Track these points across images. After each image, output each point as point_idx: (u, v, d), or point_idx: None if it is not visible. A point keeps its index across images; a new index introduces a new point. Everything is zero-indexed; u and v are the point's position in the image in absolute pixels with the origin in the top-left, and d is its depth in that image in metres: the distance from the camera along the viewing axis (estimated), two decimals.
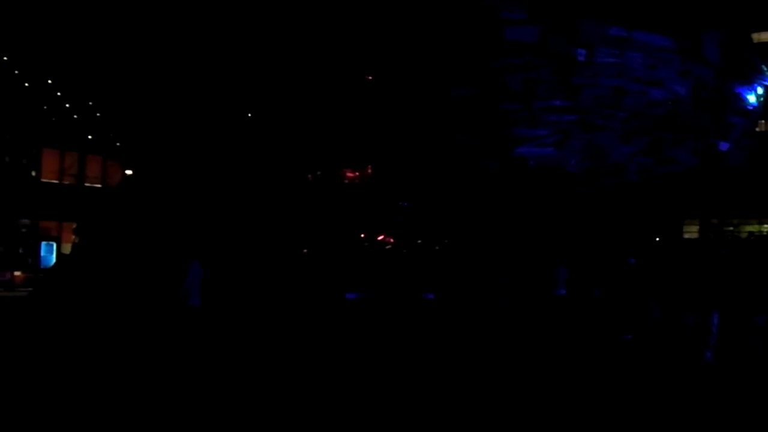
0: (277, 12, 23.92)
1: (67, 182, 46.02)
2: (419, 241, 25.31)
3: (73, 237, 31.41)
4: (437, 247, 25.40)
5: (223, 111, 25.08)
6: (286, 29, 23.82)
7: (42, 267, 42.56)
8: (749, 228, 53.69)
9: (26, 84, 28.74)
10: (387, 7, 23.20)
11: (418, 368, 14.80)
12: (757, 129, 31.98)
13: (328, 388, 12.54)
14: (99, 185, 46.11)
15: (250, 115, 25.33)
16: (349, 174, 25.62)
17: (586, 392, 13.13)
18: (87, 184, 46.26)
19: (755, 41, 39.95)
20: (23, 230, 45.84)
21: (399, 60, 23.27)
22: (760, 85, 27.15)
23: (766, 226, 53.56)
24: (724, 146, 26.05)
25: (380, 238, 25.25)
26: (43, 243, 46.06)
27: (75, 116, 29.28)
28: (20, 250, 45.31)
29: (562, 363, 16.21)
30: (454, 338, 19.02)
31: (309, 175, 25.54)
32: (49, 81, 28.11)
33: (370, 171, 25.58)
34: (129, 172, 30.67)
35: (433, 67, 22.98)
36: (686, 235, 54.19)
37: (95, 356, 15.41)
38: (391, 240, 25.19)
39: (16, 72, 28.07)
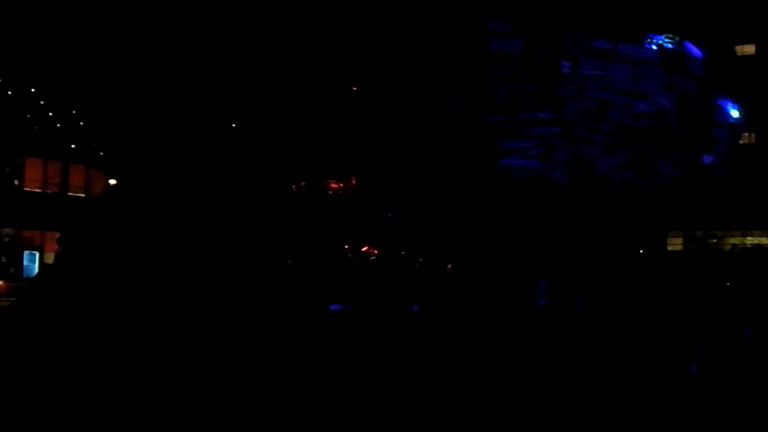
0: (263, 23, 23.90)
1: (50, 191, 45.80)
2: (403, 253, 25.28)
3: (57, 246, 31.22)
4: (421, 259, 25.37)
5: (207, 121, 25.01)
6: (273, 40, 23.78)
7: (25, 276, 42.29)
8: (733, 240, 53.93)
9: (9, 92, 28.58)
10: (372, 18, 23.19)
11: (405, 380, 14.77)
12: (741, 142, 32.12)
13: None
14: (82, 195, 45.92)
15: (234, 125, 25.26)
16: (334, 185, 25.59)
17: (571, 404, 13.11)
18: (70, 194, 46.05)
19: (739, 54, 40.22)
20: (6, 239, 45.59)
21: (384, 71, 23.25)
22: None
23: (749, 238, 53.80)
24: (707, 159, 26.13)
25: (364, 249, 25.21)
26: (26, 252, 45.80)
27: (58, 125, 29.11)
28: (3, 260, 45.04)
29: (548, 374, 16.20)
30: (440, 350, 18.96)
31: (293, 186, 25.47)
32: (32, 89, 27.96)
33: (354, 182, 25.55)
34: (113, 181, 30.52)
35: (419, 78, 22.97)
36: (670, 247, 54.40)
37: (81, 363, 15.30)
38: (376, 251, 25.14)
39: None
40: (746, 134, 42.36)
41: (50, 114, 28.72)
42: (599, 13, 23.71)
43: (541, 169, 23.68)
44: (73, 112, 28.12)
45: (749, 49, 52.88)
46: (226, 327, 21.22)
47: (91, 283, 23.42)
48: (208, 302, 21.24)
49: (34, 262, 44.43)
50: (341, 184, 25.61)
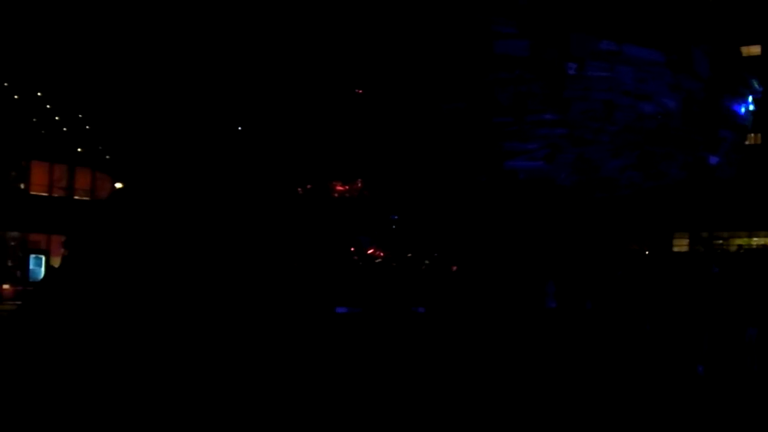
0: (266, 25, 23.93)
1: (56, 195, 45.92)
2: (409, 255, 25.29)
3: (63, 250, 31.27)
4: (427, 261, 25.38)
5: (212, 124, 25.04)
6: (276, 43, 23.81)
7: (31, 280, 42.39)
8: (739, 241, 53.92)
9: (14, 96, 28.64)
10: (377, 20, 23.21)
11: (412, 383, 14.76)
12: (747, 142, 32.07)
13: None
14: (88, 198, 46.02)
15: (239, 128, 25.28)
16: (339, 187, 25.61)
17: (579, 404, 13.10)
18: (76, 197, 46.15)
19: (744, 54, 40.13)
20: (12, 243, 45.69)
21: (389, 73, 23.25)
22: (750, 97, 27.21)
23: (755, 238, 53.77)
24: (713, 160, 26.10)
25: (370, 251, 25.23)
26: (32, 256, 45.94)
27: (64, 129, 29.16)
28: (9, 263, 45.16)
29: (556, 375, 16.19)
30: (447, 352, 18.96)
31: (299, 188, 25.50)
32: (39, 93, 28.01)
33: (360, 185, 25.57)
34: (118, 185, 30.53)
35: (424, 80, 22.97)
36: (676, 248, 54.37)
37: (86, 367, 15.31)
38: (381, 253, 25.16)
39: (5, 84, 27.97)
40: (752, 135, 42.31)
41: (56, 118, 28.76)
42: (605, 15, 23.66)
43: (547, 171, 23.67)
44: (80, 115, 28.16)
45: (755, 49, 52.88)
46: (233, 330, 21.24)
47: (98, 287, 23.46)
48: (215, 305, 21.26)
49: (40, 266, 44.52)
50: (347, 187, 25.64)
